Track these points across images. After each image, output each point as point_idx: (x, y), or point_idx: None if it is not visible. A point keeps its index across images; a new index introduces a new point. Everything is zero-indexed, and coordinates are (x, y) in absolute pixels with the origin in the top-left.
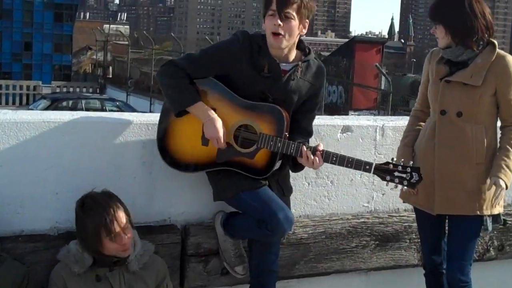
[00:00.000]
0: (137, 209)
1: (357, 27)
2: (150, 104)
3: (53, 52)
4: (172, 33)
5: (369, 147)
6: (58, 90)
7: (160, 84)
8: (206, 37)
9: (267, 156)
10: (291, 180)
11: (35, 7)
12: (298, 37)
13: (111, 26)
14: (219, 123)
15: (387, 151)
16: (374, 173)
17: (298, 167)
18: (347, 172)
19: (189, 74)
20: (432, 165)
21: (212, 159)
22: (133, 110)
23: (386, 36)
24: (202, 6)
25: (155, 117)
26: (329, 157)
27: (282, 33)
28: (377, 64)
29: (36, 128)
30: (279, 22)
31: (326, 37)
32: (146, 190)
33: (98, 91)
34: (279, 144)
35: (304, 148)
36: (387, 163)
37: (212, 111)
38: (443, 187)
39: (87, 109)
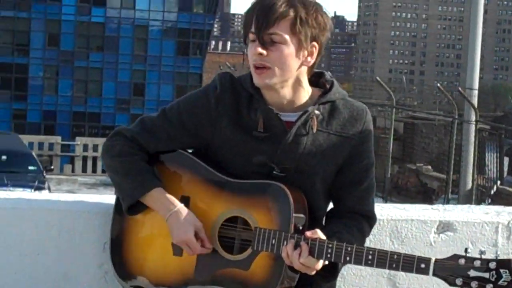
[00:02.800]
0: None
1: None
2: None
3: (174, 98)
4: (351, 71)
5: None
6: None
7: (105, 167)
8: (403, 77)
9: (269, 264)
10: None
11: (151, 35)
12: (302, 69)
13: None
14: (188, 217)
15: None
16: (434, 275)
17: (331, 275)
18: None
19: (144, 148)
20: None
21: (190, 275)
22: None
23: None
24: (398, 32)
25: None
26: (341, 254)
27: (269, 65)
28: None
29: None
30: (259, 49)
31: None
32: None
33: None
34: (285, 243)
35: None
36: (456, 257)
37: (175, 201)
38: None
39: None
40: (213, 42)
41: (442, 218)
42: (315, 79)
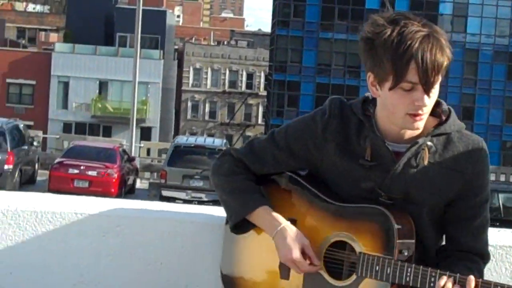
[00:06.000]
0: None
1: None
2: None
3: (504, 123)
4: None
5: None
6: (493, 176)
7: (214, 186)
8: None
9: None
10: None
11: (481, 58)
12: None
13: None
14: (294, 234)
15: None
16: None
17: None
18: None
19: (250, 169)
20: None
21: None
22: None
23: None
24: None
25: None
26: None
27: (426, 111)
28: None
29: None
30: (426, 100)
31: None
32: None
33: None
34: (389, 270)
35: (443, 278)
36: None
37: (282, 219)
38: None
39: None
40: None
41: None
42: (433, 107)
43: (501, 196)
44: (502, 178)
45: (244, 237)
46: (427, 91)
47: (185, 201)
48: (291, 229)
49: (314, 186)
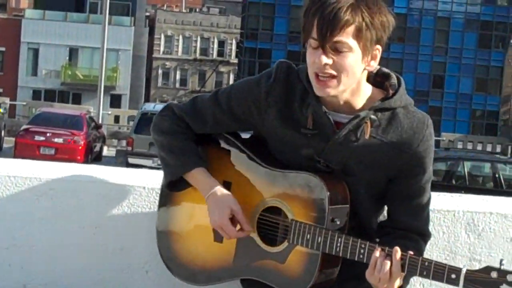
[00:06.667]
0: None
1: None
2: None
3: (474, 91)
4: None
5: None
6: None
7: (154, 142)
8: None
9: (304, 259)
10: None
11: (453, 27)
12: (365, 73)
13: None
14: (225, 198)
15: None
16: (465, 286)
17: None
18: None
19: (191, 127)
20: None
21: (229, 264)
22: None
23: None
24: None
25: None
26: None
27: (334, 73)
28: None
29: None
30: (325, 59)
31: None
32: None
33: (510, 150)
34: (320, 239)
35: (378, 250)
36: (489, 270)
37: (216, 182)
38: None
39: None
40: None
41: None
42: (381, 80)
43: (467, 164)
44: (470, 146)
45: (180, 196)
46: (323, 47)
47: (151, 168)
48: (222, 194)
49: (253, 150)
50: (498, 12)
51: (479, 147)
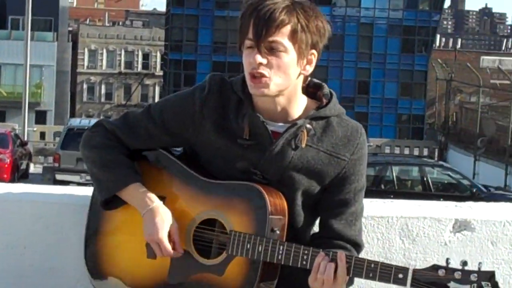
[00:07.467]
0: None
1: None
2: (506, 174)
3: (399, 95)
4: None
5: (507, 258)
6: (388, 149)
7: (84, 158)
8: None
9: (244, 269)
10: None
11: (375, 32)
12: (299, 78)
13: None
14: (162, 216)
15: None
16: (413, 286)
17: None
18: None
19: (124, 142)
20: None
21: (163, 279)
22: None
23: None
24: None
25: None
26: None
27: (266, 73)
28: None
29: None
30: (259, 58)
31: None
32: None
33: (437, 154)
34: (260, 248)
35: (321, 255)
36: (436, 268)
37: (155, 198)
38: None
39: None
40: (443, 40)
41: (459, 216)
42: (314, 90)
43: (395, 168)
44: (397, 150)
45: (111, 213)
46: (258, 47)
47: (80, 184)
48: (162, 210)
49: (188, 164)
50: (420, 17)
51: (407, 151)
